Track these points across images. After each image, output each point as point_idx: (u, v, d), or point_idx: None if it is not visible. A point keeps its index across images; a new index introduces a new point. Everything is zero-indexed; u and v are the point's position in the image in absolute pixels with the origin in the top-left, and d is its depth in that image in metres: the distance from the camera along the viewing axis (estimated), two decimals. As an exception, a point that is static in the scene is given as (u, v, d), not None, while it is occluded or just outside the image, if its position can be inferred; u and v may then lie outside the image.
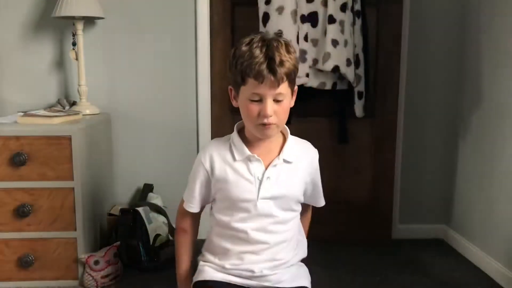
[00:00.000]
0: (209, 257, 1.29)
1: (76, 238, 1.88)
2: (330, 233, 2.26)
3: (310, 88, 2.15)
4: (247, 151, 1.23)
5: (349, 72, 2.12)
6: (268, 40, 1.16)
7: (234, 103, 1.25)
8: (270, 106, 1.15)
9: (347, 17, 2.11)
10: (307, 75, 2.12)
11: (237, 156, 1.23)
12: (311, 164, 1.31)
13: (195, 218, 1.37)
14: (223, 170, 1.24)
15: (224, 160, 1.25)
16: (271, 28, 2.04)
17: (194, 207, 1.32)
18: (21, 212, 1.83)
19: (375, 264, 2.15)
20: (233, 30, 2.32)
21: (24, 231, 1.85)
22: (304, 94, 2.14)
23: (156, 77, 2.33)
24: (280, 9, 2.03)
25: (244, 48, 1.17)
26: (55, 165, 1.83)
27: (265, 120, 1.16)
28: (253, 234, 1.23)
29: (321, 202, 1.41)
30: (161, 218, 2.21)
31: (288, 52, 1.16)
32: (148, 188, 2.34)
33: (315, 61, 2.13)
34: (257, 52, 1.14)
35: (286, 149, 1.25)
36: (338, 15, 2.09)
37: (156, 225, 2.15)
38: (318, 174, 1.35)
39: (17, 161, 1.80)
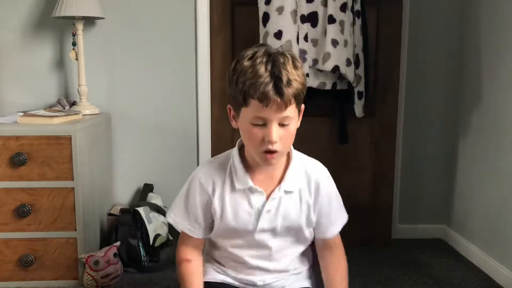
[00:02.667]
0: (211, 260, 1.27)
1: (76, 238, 1.88)
2: (330, 233, 2.26)
3: (310, 88, 2.15)
4: (249, 181, 1.13)
5: (349, 72, 2.12)
6: (274, 55, 1.03)
7: (233, 124, 1.12)
8: (275, 131, 1.02)
9: (347, 17, 2.11)
10: (307, 75, 2.12)
11: (237, 185, 1.13)
12: (316, 191, 1.17)
13: (198, 245, 1.22)
14: (221, 198, 1.14)
15: (223, 186, 1.15)
16: (271, 28, 2.04)
17: (196, 232, 1.19)
18: (21, 212, 1.83)
19: (375, 264, 2.15)
20: (233, 30, 2.32)
21: (24, 231, 1.85)
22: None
23: (156, 77, 2.33)
24: (280, 9, 2.03)
25: (246, 63, 1.03)
26: (55, 165, 1.83)
27: (270, 147, 1.03)
28: (252, 261, 1.18)
29: (328, 233, 1.21)
30: (161, 218, 2.21)
31: (295, 67, 1.03)
32: (148, 188, 2.34)
33: (315, 61, 2.13)
34: (261, 69, 1.00)
35: (287, 177, 1.14)
36: (338, 15, 2.09)
37: (156, 225, 2.15)
38: (329, 200, 1.20)
39: (17, 161, 1.80)
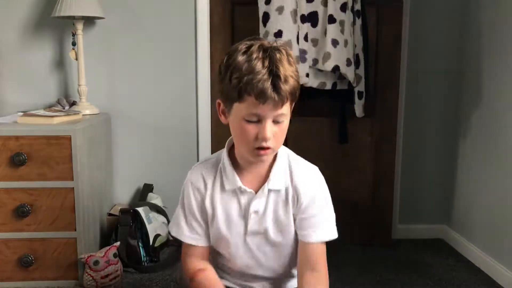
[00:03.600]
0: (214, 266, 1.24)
1: (76, 238, 1.87)
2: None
3: (310, 88, 2.15)
4: (238, 181, 1.11)
5: (349, 72, 2.12)
6: (270, 50, 1.01)
7: (222, 119, 1.12)
8: (269, 128, 1.02)
9: (347, 17, 2.11)
10: (307, 75, 2.12)
11: (227, 186, 1.13)
12: (298, 192, 1.12)
13: (204, 255, 1.18)
14: (212, 198, 1.14)
15: (213, 187, 1.14)
16: (271, 28, 2.04)
17: (200, 239, 1.17)
18: (21, 212, 1.83)
19: (375, 264, 2.15)
20: (233, 30, 2.32)
21: (24, 231, 1.85)
22: (304, 94, 2.15)
23: (156, 77, 2.33)
24: (280, 9, 2.03)
25: (240, 58, 1.01)
26: (55, 165, 1.83)
27: (263, 144, 1.02)
28: (247, 271, 1.17)
29: (312, 237, 1.11)
30: (161, 218, 2.21)
31: (290, 63, 1.02)
32: (148, 188, 2.33)
33: (315, 61, 2.13)
34: (258, 66, 0.99)
35: (272, 175, 1.11)
36: (338, 15, 2.09)
37: (156, 225, 2.15)
38: (312, 202, 1.12)
39: (17, 161, 1.80)
